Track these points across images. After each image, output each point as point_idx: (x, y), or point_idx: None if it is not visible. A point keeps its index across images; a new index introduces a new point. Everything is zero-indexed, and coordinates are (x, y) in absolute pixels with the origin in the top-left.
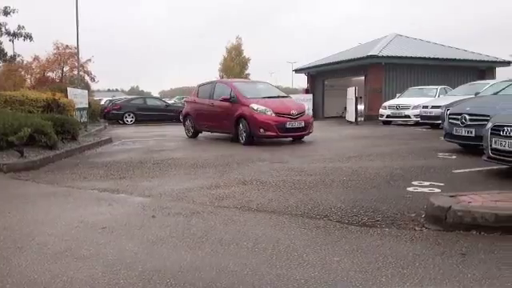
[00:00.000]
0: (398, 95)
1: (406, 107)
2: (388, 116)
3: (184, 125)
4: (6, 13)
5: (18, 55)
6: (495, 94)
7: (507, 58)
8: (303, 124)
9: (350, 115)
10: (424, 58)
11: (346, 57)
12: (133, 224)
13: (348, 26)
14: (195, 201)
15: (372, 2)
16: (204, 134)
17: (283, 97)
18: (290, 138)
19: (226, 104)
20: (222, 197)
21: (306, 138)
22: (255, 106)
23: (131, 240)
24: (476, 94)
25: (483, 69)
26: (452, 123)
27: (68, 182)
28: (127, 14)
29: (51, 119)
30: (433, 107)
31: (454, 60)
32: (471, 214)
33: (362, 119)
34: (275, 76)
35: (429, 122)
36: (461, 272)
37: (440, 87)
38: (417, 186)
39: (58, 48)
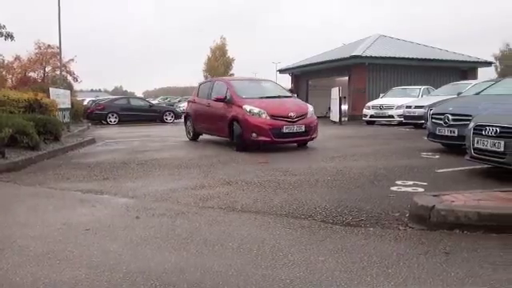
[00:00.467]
0: (381, 95)
1: (390, 107)
2: (372, 116)
3: (185, 126)
4: None
5: None
6: (477, 94)
7: (489, 59)
8: (303, 128)
9: (334, 115)
10: (407, 59)
11: (329, 57)
12: (117, 225)
13: (332, 27)
14: (180, 201)
15: (357, 2)
16: (205, 136)
17: (285, 96)
18: (295, 144)
19: (221, 104)
20: (206, 197)
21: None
22: (248, 108)
23: (115, 241)
24: (458, 94)
25: (465, 69)
26: (435, 123)
27: (51, 184)
28: (112, 14)
29: (33, 119)
30: (416, 107)
31: (437, 60)
32: (454, 213)
33: (346, 119)
34: (259, 76)
35: (412, 121)
36: (444, 271)
37: (423, 87)
38: (400, 185)
39: (39, 48)
